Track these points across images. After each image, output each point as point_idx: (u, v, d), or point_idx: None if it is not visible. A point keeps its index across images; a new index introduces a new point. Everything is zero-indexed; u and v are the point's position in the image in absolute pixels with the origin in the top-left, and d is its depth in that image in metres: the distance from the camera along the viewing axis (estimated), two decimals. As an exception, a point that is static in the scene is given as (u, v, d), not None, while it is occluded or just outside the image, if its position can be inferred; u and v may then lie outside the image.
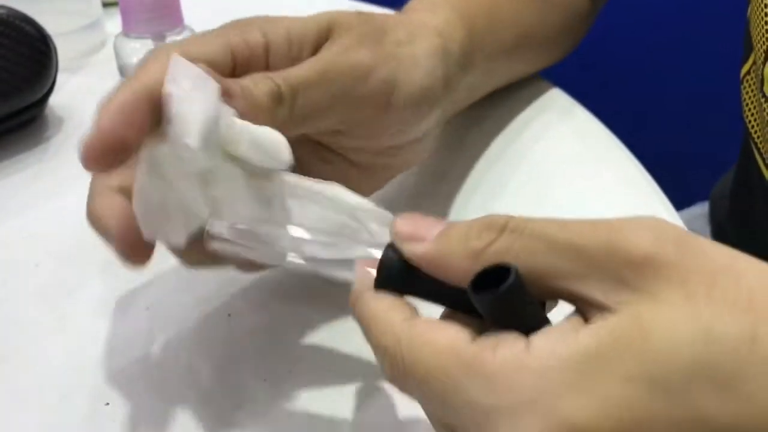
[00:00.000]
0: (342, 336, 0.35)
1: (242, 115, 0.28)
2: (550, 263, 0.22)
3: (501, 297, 0.22)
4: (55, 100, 0.52)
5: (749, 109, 0.48)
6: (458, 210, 0.43)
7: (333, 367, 0.34)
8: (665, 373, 0.20)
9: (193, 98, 0.27)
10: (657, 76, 1.01)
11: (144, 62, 0.30)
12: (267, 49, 0.33)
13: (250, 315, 0.37)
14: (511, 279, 0.22)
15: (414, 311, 0.25)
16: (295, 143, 0.29)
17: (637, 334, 0.21)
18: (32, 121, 0.51)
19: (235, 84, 0.29)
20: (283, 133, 0.29)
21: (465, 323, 0.24)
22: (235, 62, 0.32)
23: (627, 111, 0.87)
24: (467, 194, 0.44)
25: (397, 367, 0.24)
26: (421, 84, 0.36)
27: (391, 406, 0.32)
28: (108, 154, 0.28)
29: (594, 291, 0.22)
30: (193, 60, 0.29)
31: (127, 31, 0.43)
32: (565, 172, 0.46)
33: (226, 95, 0.28)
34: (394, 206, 0.40)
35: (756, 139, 0.48)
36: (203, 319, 0.37)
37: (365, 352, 0.34)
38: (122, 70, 0.45)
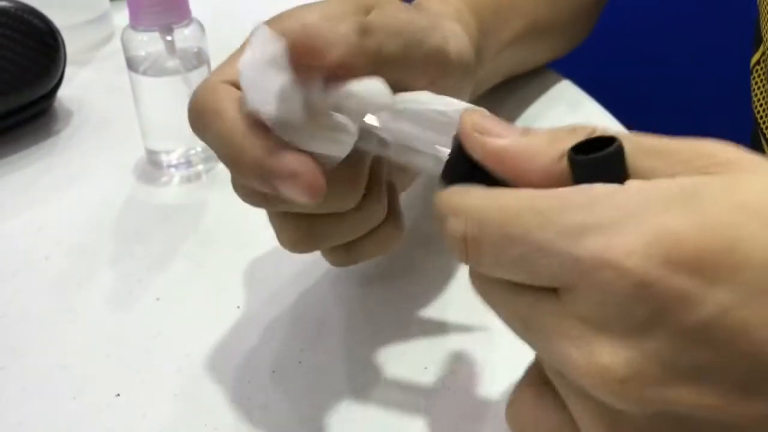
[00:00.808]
0: (350, 328, 0.36)
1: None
2: (636, 166, 0.22)
3: (604, 160, 0.22)
4: (63, 94, 0.52)
5: (758, 100, 0.48)
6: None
7: (341, 359, 0.34)
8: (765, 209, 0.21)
9: (266, 70, 0.26)
10: (665, 65, 1.01)
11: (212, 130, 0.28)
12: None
13: (258, 307, 0.37)
14: (615, 145, 0.22)
15: None
16: None
17: (734, 180, 0.21)
18: (41, 115, 0.51)
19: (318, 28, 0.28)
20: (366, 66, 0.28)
21: None
22: None
23: (635, 101, 0.86)
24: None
25: (480, 229, 0.23)
26: (464, 52, 0.35)
27: (397, 399, 0.32)
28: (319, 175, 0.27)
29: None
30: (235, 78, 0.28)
31: (135, 24, 0.43)
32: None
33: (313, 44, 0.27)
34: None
35: (765, 130, 0.47)
36: (212, 310, 0.37)
37: (373, 344, 0.35)
38: (130, 63, 0.45)
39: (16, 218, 0.44)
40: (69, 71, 0.52)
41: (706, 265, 0.20)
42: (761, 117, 0.48)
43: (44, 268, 0.40)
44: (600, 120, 0.49)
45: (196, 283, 0.39)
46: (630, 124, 0.49)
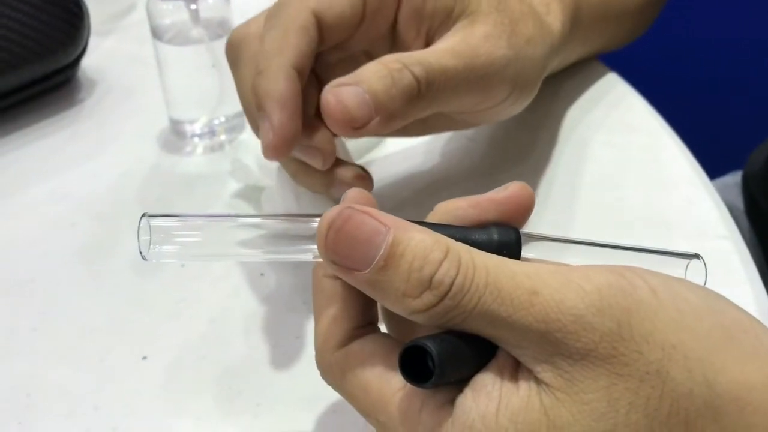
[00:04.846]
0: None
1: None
2: (486, 333, 0.23)
3: (426, 387, 0.22)
4: (87, 63, 0.52)
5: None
6: (496, 177, 0.43)
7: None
8: None
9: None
10: (694, 42, 1.00)
11: (269, 34, 0.32)
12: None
13: (282, 275, 0.37)
14: (434, 379, 0.22)
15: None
16: None
17: (544, 420, 0.22)
18: (65, 84, 0.51)
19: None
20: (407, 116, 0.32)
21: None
22: (364, 12, 0.33)
23: (663, 78, 0.86)
24: (511, 160, 0.44)
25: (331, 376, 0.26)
26: (534, 84, 0.37)
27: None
28: (290, 145, 0.31)
29: (525, 358, 0.22)
30: (323, 12, 0.32)
31: (160, -8, 0.43)
32: (599, 140, 0.45)
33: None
34: (447, 163, 0.39)
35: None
36: (237, 278, 0.37)
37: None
38: (154, 31, 0.45)
39: (41, 186, 0.44)
40: (92, 41, 0.52)
41: None
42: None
43: (71, 234, 0.40)
44: (626, 96, 0.49)
45: (220, 251, 0.39)
46: (655, 99, 0.48)
